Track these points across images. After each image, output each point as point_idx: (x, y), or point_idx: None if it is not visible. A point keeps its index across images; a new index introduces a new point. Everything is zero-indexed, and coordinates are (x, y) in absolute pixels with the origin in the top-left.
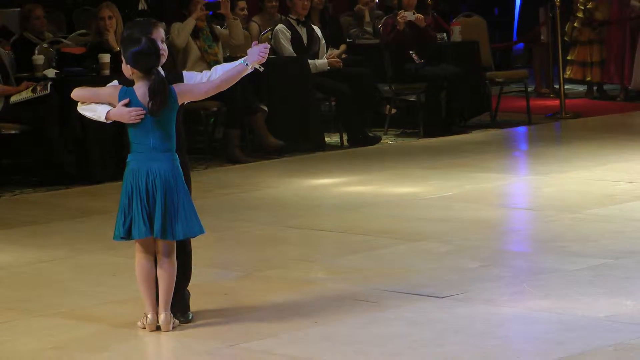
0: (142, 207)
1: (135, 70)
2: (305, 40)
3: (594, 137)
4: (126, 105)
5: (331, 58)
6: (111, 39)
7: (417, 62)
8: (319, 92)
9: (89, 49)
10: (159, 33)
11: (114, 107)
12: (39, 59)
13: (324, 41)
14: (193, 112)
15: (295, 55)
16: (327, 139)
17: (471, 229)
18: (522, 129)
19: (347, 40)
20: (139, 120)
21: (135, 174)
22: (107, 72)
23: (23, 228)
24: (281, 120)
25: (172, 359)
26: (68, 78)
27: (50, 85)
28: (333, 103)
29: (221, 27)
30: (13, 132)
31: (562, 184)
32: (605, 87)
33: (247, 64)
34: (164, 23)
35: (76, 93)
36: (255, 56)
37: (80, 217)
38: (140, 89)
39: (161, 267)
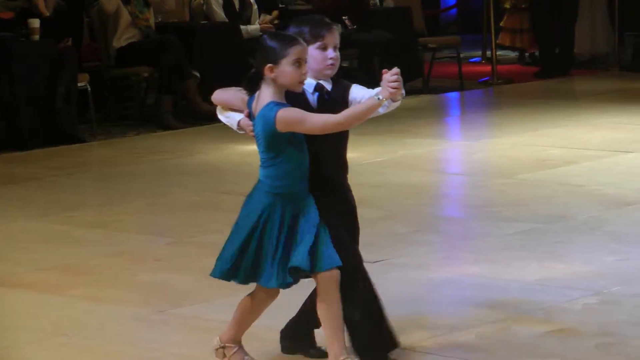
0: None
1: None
2: (237, 5)
3: (526, 103)
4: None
5: (263, 24)
6: (41, 4)
7: (350, 28)
8: (251, 58)
9: (18, 13)
10: (333, 37)
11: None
12: None
13: (256, 7)
14: (124, 78)
15: (227, 20)
16: None
17: (403, 194)
18: (454, 95)
19: (280, 6)
20: (253, 135)
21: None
22: (36, 37)
23: None
24: (213, 86)
25: (101, 326)
26: None
27: None
28: None
29: None
30: None
31: (494, 150)
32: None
33: (378, 98)
34: (339, 25)
35: (216, 95)
36: (385, 90)
37: (9, 183)
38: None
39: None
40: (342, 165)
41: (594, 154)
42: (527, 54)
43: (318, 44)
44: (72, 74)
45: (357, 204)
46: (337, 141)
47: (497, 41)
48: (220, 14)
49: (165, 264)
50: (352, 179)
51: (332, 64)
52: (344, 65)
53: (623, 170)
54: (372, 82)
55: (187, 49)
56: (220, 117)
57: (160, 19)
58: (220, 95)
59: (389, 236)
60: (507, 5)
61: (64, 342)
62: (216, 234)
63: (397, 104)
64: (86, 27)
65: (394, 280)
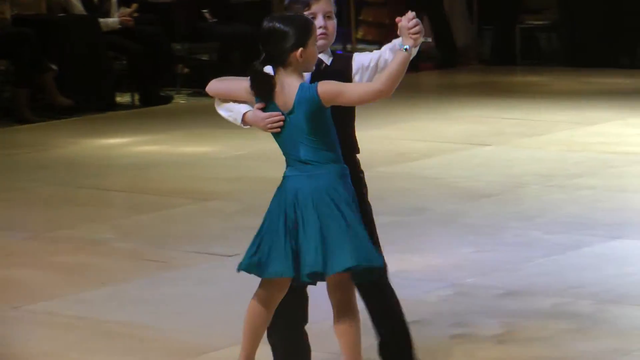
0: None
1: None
2: None
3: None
4: (263, 109)
5: (122, 16)
6: None
7: (210, 20)
8: (110, 51)
9: None
10: (322, 5)
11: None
12: None
13: None
14: None
15: (85, 13)
16: (118, 99)
17: (262, 187)
18: None
19: None
20: (278, 130)
21: (287, 192)
22: None
23: None
24: (71, 80)
25: None
26: None
27: None
28: (124, 62)
29: None
30: None
31: None
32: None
33: (405, 49)
34: None
35: (212, 86)
36: (408, 38)
37: None
38: (277, 86)
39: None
40: (352, 145)
41: (452, 147)
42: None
43: (306, 13)
44: None
45: (214, 197)
46: (346, 120)
47: (360, 35)
48: (78, 6)
49: (20, 259)
50: (211, 172)
51: (323, 34)
52: (203, 58)
53: (480, 163)
54: (230, 74)
55: (44, 42)
56: (220, 110)
57: (16, 12)
58: (217, 86)
59: (246, 229)
60: None
61: None
62: (73, 228)
63: (417, 49)
64: None
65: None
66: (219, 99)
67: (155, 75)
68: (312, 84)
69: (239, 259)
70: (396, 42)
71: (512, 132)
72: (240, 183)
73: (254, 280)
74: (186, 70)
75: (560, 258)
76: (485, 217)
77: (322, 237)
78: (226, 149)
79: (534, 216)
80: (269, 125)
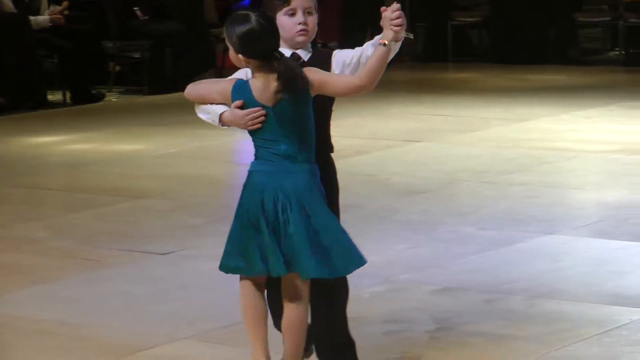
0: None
1: (248, 59)
2: None
3: None
4: (241, 107)
5: (53, 14)
6: None
7: (142, 18)
8: (41, 49)
9: None
10: (299, 1)
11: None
12: None
13: None
14: None
15: (15, 11)
16: (50, 97)
17: (196, 185)
18: None
19: None
20: (259, 126)
21: (261, 188)
22: None
23: None
24: (2, 78)
25: None
26: None
27: None
28: (56, 60)
29: None
30: None
31: None
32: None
33: (384, 44)
34: None
35: (189, 90)
36: (389, 31)
37: None
38: (257, 82)
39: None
40: (329, 143)
41: (385, 143)
42: (319, 45)
43: (286, 9)
44: None
45: (148, 195)
46: (322, 116)
47: None
48: (8, 4)
49: None
50: (144, 170)
51: (303, 30)
52: (136, 56)
53: (413, 159)
54: (162, 71)
55: None
56: (199, 114)
57: None
58: (193, 90)
59: (181, 227)
60: None
61: None
62: (6, 227)
63: (399, 44)
64: None
65: (185, 272)
66: (197, 102)
67: (87, 73)
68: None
69: (173, 257)
70: (378, 37)
71: (445, 129)
72: (173, 181)
73: (188, 278)
74: (118, 68)
75: (493, 254)
76: (419, 214)
77: (309, 240)
78: (159, 147)
79: (468, 212)
80: (250, 122)
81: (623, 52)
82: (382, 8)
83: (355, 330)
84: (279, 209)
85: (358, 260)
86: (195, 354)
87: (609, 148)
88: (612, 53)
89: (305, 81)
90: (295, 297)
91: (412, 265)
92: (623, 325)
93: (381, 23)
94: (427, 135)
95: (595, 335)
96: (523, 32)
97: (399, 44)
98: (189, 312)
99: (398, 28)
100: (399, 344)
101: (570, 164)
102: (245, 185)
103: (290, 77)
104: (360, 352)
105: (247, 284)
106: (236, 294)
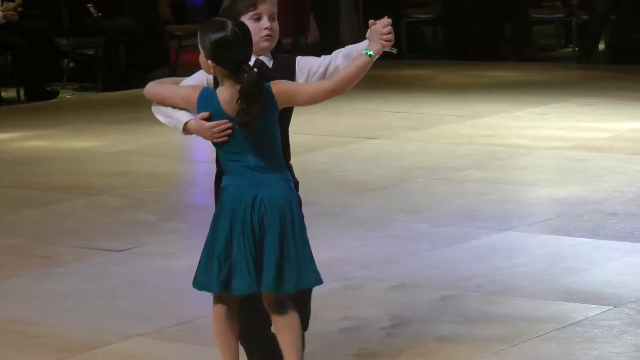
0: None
1: (217, 66)
2: None
3: None
4: (207, 119)
5: (6, 11)
6: None
7: (95, 15)
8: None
9: None
10: (267, 6)
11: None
12: None
13: None
14: None
15: None
16: (3, 94)
17: (149, 182)
18: None
19: None
20: (226, 139)
21: (237, 202)
22: None
23: None
24: None
25: None
26: None
27: None
28: (9, 57)
29: None
30: None
31: None
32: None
33: (370, 55)
34: None
35: (150, 89)
36: (377, 43)
37: None
38: (225, 92)
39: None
40: (287, 147)
41: (338, 140)
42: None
43: (251, 13)
44: None
45: (101, 192)
46: (283, 121)
47: None
48: None
49: None
50: (97, 167)
51: (268, 35)
52: (89, 53)
53: (367, 156)
54: (116, 68)
55: None
56: (156, 114)
57: None
58: (154, 89)
59: (134, 224)
60: None
61: None
62: None
63: (378, 55)
64: None
65: (139, 269)
66: (156, 102)
67: (40, 70)
68: (265, 84)
69: (126, 254)
70: (353, 47)
71: (399, 126)
72: (126, 178)
73: (141, 275)
74: (72, 64)
75: (448, 250)
76: (373, 211)
77: (280, 255)
78: (112, 144)
79: (422, 209)
80: (216, 135)
81: (577, 49)
82: (371, 21)
83: (311, 327)
84: (255, 222)
85: (315, 281)
86: (149, 351)
87: (563, 145)
88: (566, 50)
89: (266, 99)
90: (278, 306)
91: (367, 262)
92: (578, 321)
93: (368, 35)
94: (381, 132)
95: (551, 331)
96: (477, 28)
97: (377, 56)
98: (143, 310)
99: (388, 43)
100: (355, 340)
101: (525, 160)
102: (220, 200)
103: (251, 94)
104: (316, 349)
105: (222, 300)
106: (190, 291)
